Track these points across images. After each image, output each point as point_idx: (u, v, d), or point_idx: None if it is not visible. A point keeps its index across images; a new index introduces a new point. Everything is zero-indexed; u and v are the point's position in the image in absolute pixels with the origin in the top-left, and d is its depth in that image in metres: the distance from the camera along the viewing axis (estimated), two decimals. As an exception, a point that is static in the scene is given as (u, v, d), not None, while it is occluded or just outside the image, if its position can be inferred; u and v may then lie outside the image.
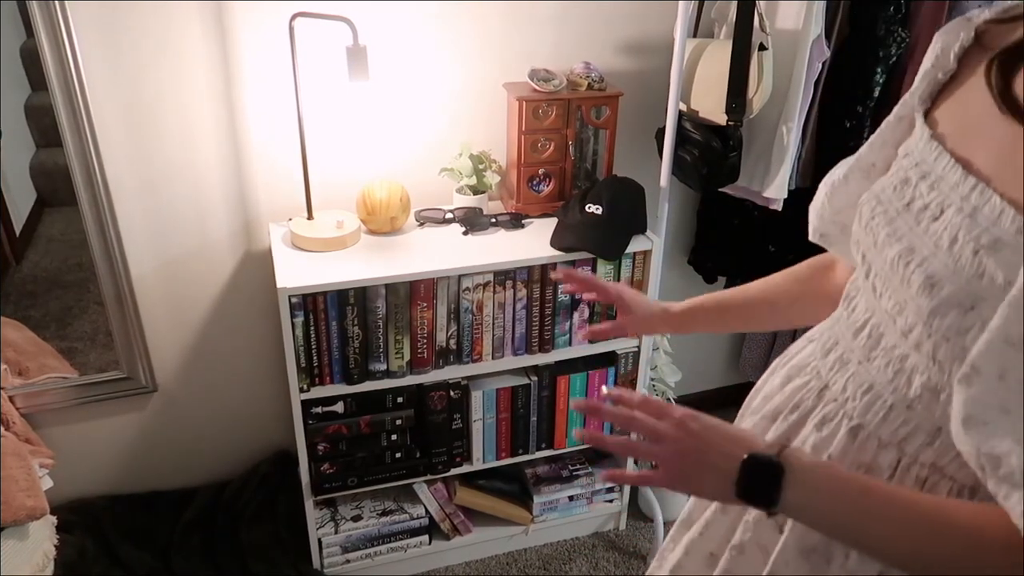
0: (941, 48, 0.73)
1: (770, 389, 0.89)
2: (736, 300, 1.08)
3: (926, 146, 0.71)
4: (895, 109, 0.79)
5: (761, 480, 0.69)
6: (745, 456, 0.69)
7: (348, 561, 1.95)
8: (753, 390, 0.95)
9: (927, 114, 0.74)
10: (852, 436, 0.76)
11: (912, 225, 0.68)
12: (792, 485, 0.68)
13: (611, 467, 2.11)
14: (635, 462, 2.09)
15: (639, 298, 1.12)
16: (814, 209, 0.87)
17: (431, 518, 1.99)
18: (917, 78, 0.76)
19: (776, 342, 2.30)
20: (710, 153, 1.75)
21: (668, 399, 2.09)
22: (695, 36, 1.85)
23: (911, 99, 0.76)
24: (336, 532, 1.91)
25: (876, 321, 0.74)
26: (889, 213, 0.71)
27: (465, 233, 1.80)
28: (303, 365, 1.66)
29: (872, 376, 0.74)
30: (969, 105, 0.69)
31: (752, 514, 0.85)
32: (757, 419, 0.89)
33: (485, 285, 1.73)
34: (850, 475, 0.71)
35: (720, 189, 1.91)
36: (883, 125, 0.80)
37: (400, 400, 1.79)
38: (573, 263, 1.76)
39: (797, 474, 0.68)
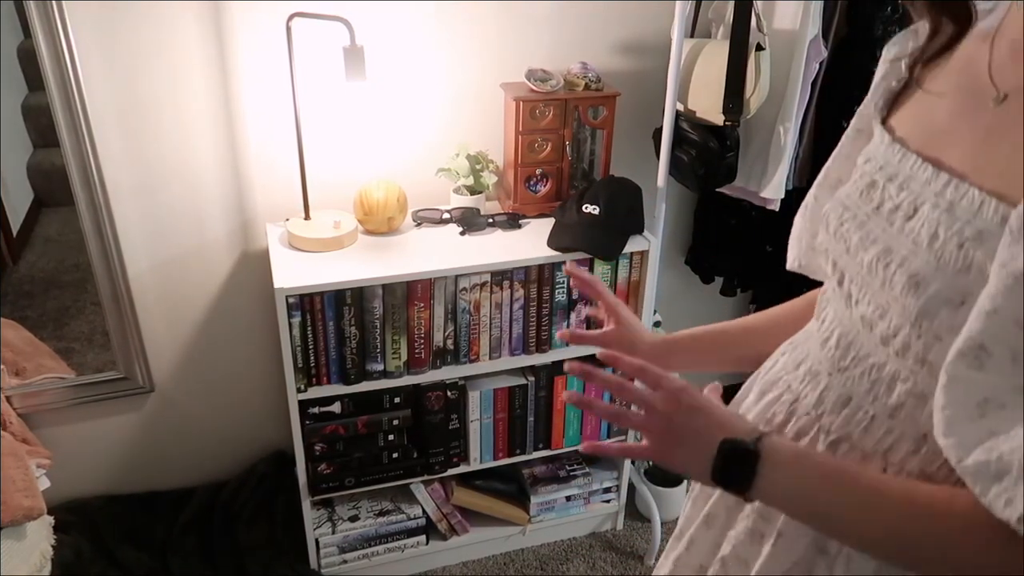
0: (892, 58, 0.76)
1: (748, 403, 0.88)
2: (714, 330, 1.01)
3: (888, 149, 0.71)
4: (852, 122, 0.81)
5: (736, 465, 0.68)
6: (721, 440, 0.69)
7: (345, 561, 1.94)
8: (731, 404, 0.91)
9: (884, 122, 0.75)
10: (832, 450, 0.74)
11: (885, 227, 0.68)
12: (766, 473, 0.68)
13: (608, 467, 2.11)
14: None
15: (632, 318, 1.05)
16: (794, 237, 0.87)
17: (428, 518, 1.98)
18: (871, 89, 0.78)
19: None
20: (707, 153, 1.76)
21: None
22: (692, 36, 1.85)
23: (866, 110, 0.78)
24: (333, 532, 1.91)
25: (843, 331, 0.74)
26: (859, 217, 0.71)
27: (462, 233, 1.80)
28: (300, 365, 1.66)
29: (849, 388, 0.73)
30: (934, 109, 0.70)
31: (735, 529, 0.84)
32: None
33: (482, 285, 1.73)
34: (823, 461, 0.71)
35: (717, 189, 1.91)
36: (843, 139, 0.82)
37: (397, 400, 1.79)
38: (570, 263, 1.76)
39: (771, 463, 0.68)
